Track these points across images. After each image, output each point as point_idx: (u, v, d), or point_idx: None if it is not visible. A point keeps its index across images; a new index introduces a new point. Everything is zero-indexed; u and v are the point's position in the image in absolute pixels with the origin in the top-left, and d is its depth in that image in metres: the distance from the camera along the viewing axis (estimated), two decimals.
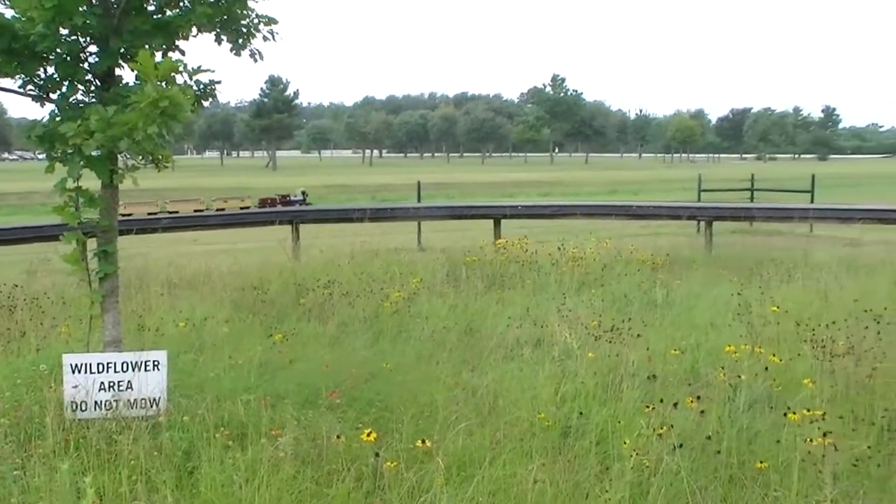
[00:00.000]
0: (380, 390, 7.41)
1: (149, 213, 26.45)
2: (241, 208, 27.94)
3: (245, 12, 7.27)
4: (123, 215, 24.18)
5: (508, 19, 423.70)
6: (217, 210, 28.96)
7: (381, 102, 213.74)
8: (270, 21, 7.42)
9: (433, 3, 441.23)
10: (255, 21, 7.34)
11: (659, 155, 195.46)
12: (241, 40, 7.35)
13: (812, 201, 29.84)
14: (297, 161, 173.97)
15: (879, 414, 6.45)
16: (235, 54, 7.35)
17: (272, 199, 42.05)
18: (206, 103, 7.66)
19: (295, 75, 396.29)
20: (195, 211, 26.51)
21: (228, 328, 9.72)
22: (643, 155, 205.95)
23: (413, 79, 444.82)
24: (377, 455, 5.62)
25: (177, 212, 26.66)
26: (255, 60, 7.60)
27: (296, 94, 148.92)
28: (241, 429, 6.39)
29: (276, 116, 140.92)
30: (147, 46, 6.42)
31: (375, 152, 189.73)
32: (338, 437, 5.90)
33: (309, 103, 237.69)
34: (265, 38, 7.48)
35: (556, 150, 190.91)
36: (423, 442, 5.74)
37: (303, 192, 44.88)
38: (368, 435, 5.77)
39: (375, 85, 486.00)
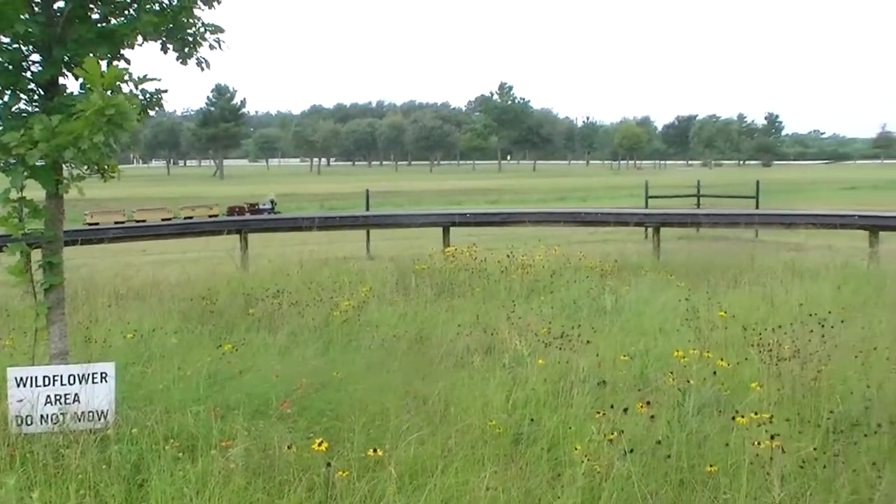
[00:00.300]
0: (330, 399, 7.38)
1: (116, 223, 26.29)
2: (210, 216, 27.77)
3: (191, 21, 7.22)
4: (90, 224, 24.00)
5: (456, 28, 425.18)
6: (185, 218, 28.81)
7: (328, 111, 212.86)
8: (217, 30, 7.37)
9: (380, 11, 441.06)
10: (202, 30, 7.29)
11: (606, 162, 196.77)
12: (187, 49, 7.30)
13: (757, 207, 30.21)
14: (244, 170, 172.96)
15: (825, 416, 6.53)
16: (182, 63, 7.29)
17: (240, 208, 41.78)
18: (152, 112, 7.59)
19: (242, 84, 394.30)
20: (163, 220, 26.33)
21: (177, 339, 9.62)
22: (591, 162, 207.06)
23: (361, 87, 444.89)
24: (329, 465, 5.59)
25: (144, 220, 26.51)
26: (202, 69, 7.55)
27: (243, 102, 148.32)
28: (191, 440, 6.33)
29: (222, 125, 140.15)
30: (91, 55, 6.34)
31: (323, 161, 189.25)
32: (289, 447, 5.86)
33: (256, 112, 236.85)
34: (212, 47, 7.44)
35: (509, 158, 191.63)
36: (375, 451, 5.72)
37: (271, 201, 44.64)
38: (320, 444, 5.74)
39: (323, 93, 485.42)
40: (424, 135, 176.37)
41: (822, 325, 8.66)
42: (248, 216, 30.54)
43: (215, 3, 7.40)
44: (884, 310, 10.39)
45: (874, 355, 8.04)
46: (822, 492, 5.46)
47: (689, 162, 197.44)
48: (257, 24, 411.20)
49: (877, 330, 9.17)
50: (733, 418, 6.12)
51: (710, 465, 5.71)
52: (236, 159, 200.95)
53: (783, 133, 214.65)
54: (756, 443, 5.59)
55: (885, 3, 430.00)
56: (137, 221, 24.82)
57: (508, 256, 14.76)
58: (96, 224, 23.39)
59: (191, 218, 25.20)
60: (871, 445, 6.02)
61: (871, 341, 8.69)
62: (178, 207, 43.03)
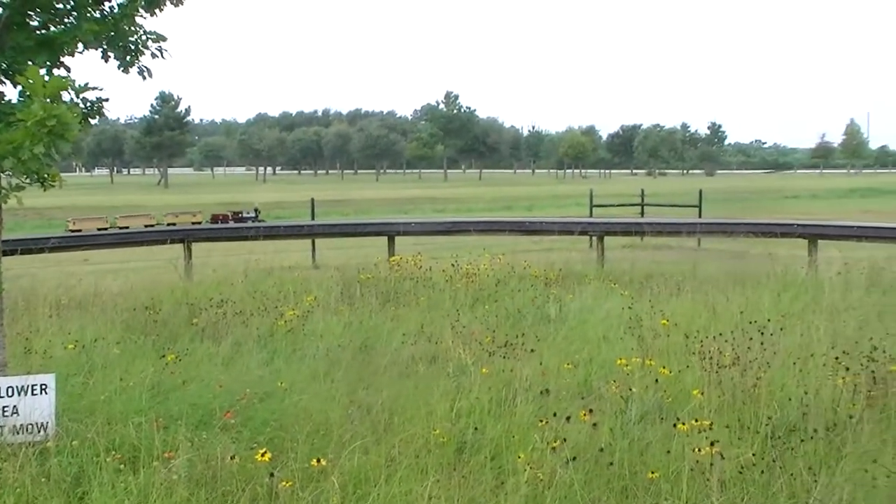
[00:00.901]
0: (275, 409, 7.36)
1: (98, 229, 26.03)
2: (193, 223, 27.58)
3: (133, 29, 7.18)
4: (73, 231, 23.67)
5: (402, 36, 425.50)
6: (168, 224, 28.57)
7: (274, 119, 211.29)
8: (159, 38, 7.34)
9: (325, 19, 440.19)
10: (144, 38, 7.26)
11: (552, 171, 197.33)
12: (128, 57, 7.26)
13: (700, 216, 30.53)
14: (189, 178, 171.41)
15: (763, 422, 6.63)
16: (123, 71, 7.26)
17: (224, 216, 41.41)
18: (93, 121, 7.54)
19: (186, 92, 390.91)
20: (146, 226, 26.07)
21: (119, 349, 9.53)
22: (536, 171, 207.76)
23: (306, 95, 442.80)
24: (272, 475, 5.58)
25: (127, 227, 26.25)
26: (144, 78, 7.52)
27: (187, 110, 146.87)
28: (133, 452, 6.28)
29: (167, 133, 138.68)
30: (30, 63, 6.28)
31: (269, 169, 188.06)
32: (232, 457, 5.84)
33: (201, 120, 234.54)
34: (154, 56, 7.41)
35: (463, 169, 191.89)
36: (318, 461, 5.72)
37: (255, 210, 44.23)
38: (263, 455, 5.73)
39: (268, 101, 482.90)
40: (370, 143, 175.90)
41: (762, 333, 8.77)
42: (231, 223, 30.62)
43: (157, 11, 7.38)
44: (821, 317, 10.54)
45: (811, 362, 8.16)
46: (761, 496, 5.55)
47: (634, 171, 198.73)
48: (203, 31, 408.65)
49: (814, 337, 9.32)
50: (674, 425, 6.19)
51: (652, 472, 5.78)
52: (181, 168, 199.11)
53: (726, 143, 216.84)
54: (696, 449, 5.66)
55: (823, 17, 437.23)
56: (120, 228, 24.60)
57: (453, 265, 14.79)
58: (79, 231, 23.15)
59: (173, 224, 25.06)
60: (807, 450, 6.12)
61: (809, 348, 8.83)
62: (162, 214, 42.84)
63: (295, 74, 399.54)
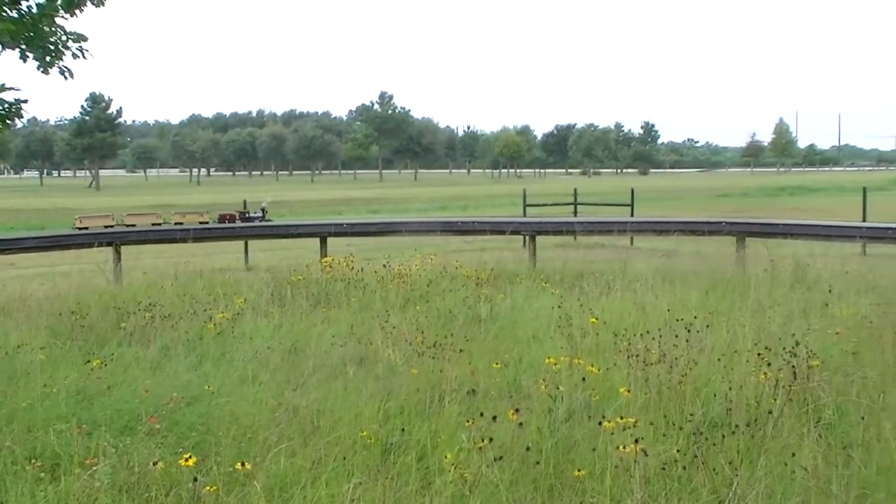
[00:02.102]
0: (202, 414, 7.29)
1: (105, 227, 25.62)
2: (200, 223, 27.09)
3: (53, 29, 7.08)
4: (80, 228, 23.28)
5: (335, 36, 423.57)
6: (175, 224, 28.01)
7: (208, 120, 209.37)
8: (80, 38, 7.24)
9: (258, 19, 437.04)
10: (64, 38, 7.16)
11: (487, 171, 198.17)
12: (48, 58, 7.15)
13: (632, 215, 30.79)
14: (122, 180, 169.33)
15: (688, 419, 6.70)
16: (43, 72, 7.14)
17: (231, 215, 40.84)
18: (15, 123, 7.42)
19: (118, 93, 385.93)
20: (153, 224, 25.63)
21: (44, 355, 9.34)
22: (472, 171, 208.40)
23: (240, 96, 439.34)
24: (195, 480, 5.53)
25: (134, 225, 25.81)
26: (66, 78, 7.41)
27: (119, 111, 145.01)
28: (55, 459, 6.19)
29: (98, 135, 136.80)
30: None
31: (203, 171, 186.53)
32: (155, 463, 5.77)
33: (134, 121, 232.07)
34: (75, 56, 7.30)
35: (398, 170, 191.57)
36: (243, 465, 5.67)
37: (262, 209, 43.52)
38: (187, 459, 5.67)
39: (202, 103, 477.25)
40: (305, 144, 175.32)
41: (689, 330, 8.88)
42: (238, 223, 30.17)
43: (78, 12, 7.28)
44: (747, 313, 10.69)
45: (736, 358, 8.27)
46: (683, 492, 5.61)
47: (569, 170, 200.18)
48: (134, 31, 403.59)
49: (740, 333, 9.44)
50: (600, 423, 6.23)
51: (578, 470, 5.81)
52: (113, 170, 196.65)
53: (659, 142, 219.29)
54: (621, 447, 5.70)
55: (753, 18, 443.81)
56: (127, 226, 24.24)
57: (385, 266, 14.77)
58: (85, 228, 22.81)
59: (181, 224, 24.78)
60: (730, 446, 6.20)
61: (734, 344, 8.96)
62: (170, 213, 42.42)
63: (228, 75, 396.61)
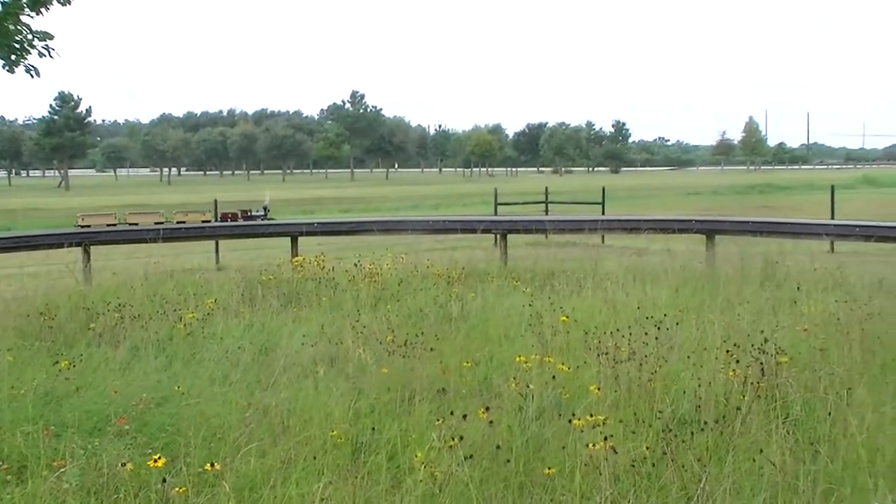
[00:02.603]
0: (171, 414, 7.27)
1: (108, 225, 25.51)
2: (203, 221, 27.14)
3: (18, 28, 7.03)
4: (82, 226, 23.10)
5: (306, 35, 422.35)
6: (177, 223, 28.04)
7: (178, 120, 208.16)
8: (46, 36, 7.19)
9: (229, 18, 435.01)
10: (30, 37, 7.11)
11: (459, 169, 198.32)
12: (14, 56, 7.11)
13: (603, 213, 30.90)
14: (91, 180, 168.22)
15: (657, 416, 6.73)
16: (9, 71, 7.09)
17: (233, 214, 40.91)
18: None
19: (87, 92, 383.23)
20: (155, 223, 25.54)
21: (12, 357, 9.25)
22: (444, 170, 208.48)
23: (211, 95, 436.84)
24: (164, 481, 5.50)
25: (136, 224, 25.71)
26: (32, 76, 7.36)
27: (88, 111, 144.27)
28: (21, 461, 6.15)
29: (67, 134, 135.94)
30: None
31: (174, 171, 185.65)
32: (123, 464, 5.74)
33: (103, 121, 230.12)
34: (41, 55, 7.26)
35: (370, 169, 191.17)
36: (212, 465, 5.65)
37: (264, 208, 43.41)
38: (156, 461, 5.65)
39: (172, 102, 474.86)
40: (276, 143, 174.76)
41: (658, 328, 8.94)
42: (240, 221, 30.17)
43: (44, 10, 7.23)
44: (717, 311, 10.75)
45: (705, 355, 8.32)
46: (652, 489, 5.63)
47: (540, 169, 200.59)
48: (104, 30, 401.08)
49: (709, 331, 9.49)
50: (569, 421, 6.25)
51: (548, 468, 5.83)
52: (83, 169, 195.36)
53: (630, 140, 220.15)
54: (590, 444, 5.72)
55: (723, 15, 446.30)
56: (130, 224, 24.09)
57: (356, 265, 14.75)
58: (87, 226, 22.66)
59: (183, 223, 24.69)
60: (699, 442, 6.23)
61: (704, 342, 9.00)
62: (172, 212, 42.35)
63: (199, 74, 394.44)
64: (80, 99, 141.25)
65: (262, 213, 41.58)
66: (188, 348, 9.90)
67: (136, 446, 6.54)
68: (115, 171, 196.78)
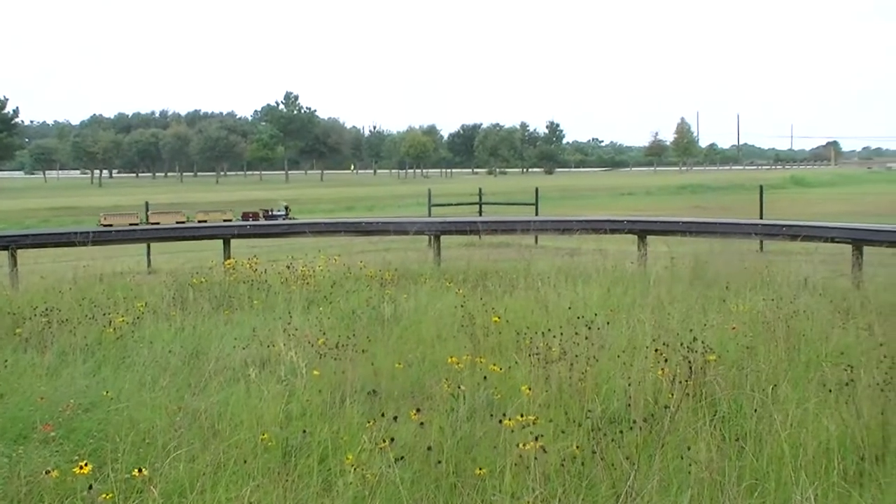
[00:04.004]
0: (100, 420, 7.19)
1: (130, 224, 25.08)
2: (224, 220, 26.82)
3: None
4: (104, 226, 22.58)
5: (240, 36, 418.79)
6: (199, 222, 27.57)
7: (109, 121, 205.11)
8: None
9: (159, 17, 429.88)
10: None
11: (394, 171, 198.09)
12: None
13: (536, 213, 31.04)
14: (19, 182, 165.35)
15: (587, 415, 6.79)
16: None
17: (254, 213, 40.53)
18: None
19: (14, 93, 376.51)
20: (177, 223, 25.21)
21: None
22: (379, 171, 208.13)
23: (143, 96, 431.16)
24: (90, 487, 5.43)
25: (158, 223, 25.33)
26: None
27: (16, 111, 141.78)
28: None
29: None
30: None
31: (105, 173, 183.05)
32: (47, 472, 5.65)
33: (32, 122, 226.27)
34: None
35: (304, 170, 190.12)
36: (140, 471, 5.59)
37: (285, 207, 42.85)
38: (83, 467, 5.57)
39: (103, 102, 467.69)
40: (210, 145, 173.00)
41: (589, 328, 9.02)
42: (261, 220, 29.80)
43: None
44: (647, 310, 10.87)
45: (636, 354, 8.41)
46: (582, 488, 5.68)
47: (475, 170, 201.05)
48: (29, 29, 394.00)
49: (639, 330, 9.60)
50: (500, 421, 6.28)
51: (480, 469, 5.85)
52: (10, 171, 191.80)
53: (564, 141, 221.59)
54: (521, 444, 5.76)
55: (653, 17, 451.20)
56: (152, 223, 23.74)
57: (289, 268, 14.69)
58: (110, 226, 22.25)
59: (204, 222, 24.37)
60: (628, 441, 6.30)
61: (634, 341, 9.11)
62: (193, 212, 41.80)
63: (131, 75, 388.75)
64: (7, 99, 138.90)
65: (284, 212, 41.47)
66: (117, 353, 9.78)
67: (62, 453, 6.45)
68: (44, 174, 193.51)
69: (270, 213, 42.09)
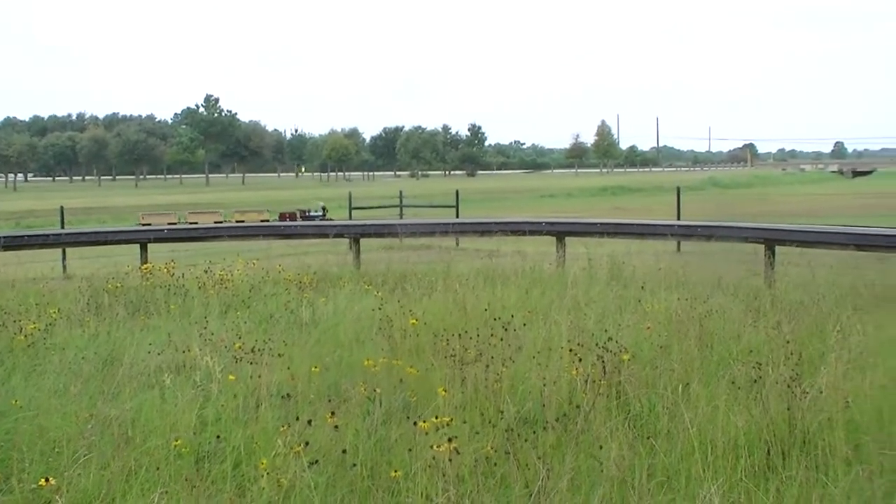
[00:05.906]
0: (7, 429, 7.04)
1: (169, 223, 24.52)
2: (262, 220, 26.34)
3: None
4: (143, 225, 21.94)
5: (159, 38, 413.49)
6: (237, 222, 27.00)
7: (24, 124, 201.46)
8: None
9: (75, 18, 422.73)
10: None
11: (316, 174, 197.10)
12: None
13: (457, 216, 31.19)
14: None
15: (501, 416, 6.84)
16: None
17: (291, 214, 39.60)
18: None
19: None
20: (216, 223, 24.74)
21: None
22: (301, 174, 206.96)
23: (59, 99, 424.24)
24: None
25: (196, 222, 24.80)
26: None
27: None
28: None
29: None
30: None
31: (20, 176, 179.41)
32: None
33: None
34: None
35: (226, 174, 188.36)
36: (48, 480, 5.50)
37: (322, 207, 41.83)
38: None
39: (17, 105, 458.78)
40: (129, 148, 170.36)
41: (506, 329, 9.08)
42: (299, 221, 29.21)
43: None
44: (564, 311, 10.95)
45: (552, 355, 8.49)
46: (496, 488, 5.73)
47: (398, 173, 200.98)
48: None
49: (556, 331, 9.67)
50: (415, 423, 6.30)
51: (395, 471, 5.87)
52: None
53: (486, 144, 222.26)
54: (435, 446, 5.78)
55: (576, 20, 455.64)
56: (190, 223, 23.29)
57: (206, 272, 14.56)
58: (148, 225, 21.75)
59: (242, 222, 24.08)
60: (542, 441, 6.36)
61: (550, 342, 9.18)
62: (231, 212, 40.93)
63: (46, 77, 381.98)
64: None
65: (321, 213, 40.86)
66: (28, 360, 9.59)
67: None
68: None
69: (307, 213, 41.47)
